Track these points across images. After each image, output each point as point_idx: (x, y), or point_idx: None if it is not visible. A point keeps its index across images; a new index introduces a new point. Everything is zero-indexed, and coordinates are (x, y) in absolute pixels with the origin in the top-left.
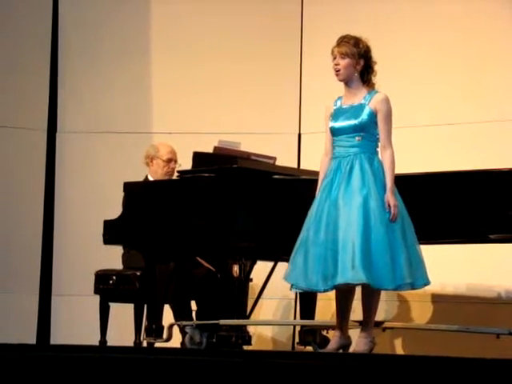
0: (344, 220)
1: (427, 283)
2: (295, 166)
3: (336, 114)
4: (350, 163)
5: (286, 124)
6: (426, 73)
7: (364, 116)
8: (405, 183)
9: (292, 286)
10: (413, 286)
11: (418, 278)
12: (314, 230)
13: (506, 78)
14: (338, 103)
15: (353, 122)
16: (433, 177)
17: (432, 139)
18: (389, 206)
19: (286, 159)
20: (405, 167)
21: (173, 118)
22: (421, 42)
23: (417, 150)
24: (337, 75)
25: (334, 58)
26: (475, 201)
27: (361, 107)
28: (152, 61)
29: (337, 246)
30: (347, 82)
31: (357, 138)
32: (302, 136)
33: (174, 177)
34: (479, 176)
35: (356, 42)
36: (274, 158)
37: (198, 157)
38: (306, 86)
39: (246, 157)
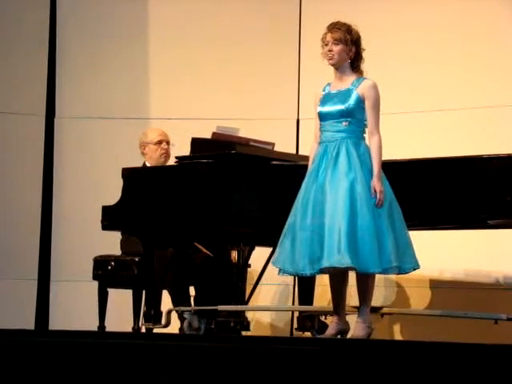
0: (330, 204)
1: (416, 267)
2: (294, 151)
3: (324, 99)
4: (337, 148)
5: (285, 110)
6: (423, 60)
7: (351, 101)
8: (404, 169)
9: (280, 270)
10: (400, 270)
11: (406, 261)
12: (300, 215)
13: (504, 64)
14: (327, 89)
15: (340, 107)
16: (432, 162)
17: (430, 125)
18: (375, 191)
19: (284, 145)
20: (404, 153)
21: (171, 104)
22: (420, 30)
23: (415, 136)
24: (329, 59)
25: (326, 45)
26: (474, 186)
27: (348, 92)
28: (150, 47)
29: (323, 230)
30: (338, 68)
31: (343, 123)
32: (301, 122)
33: (173, 162)
34: (478, 161)
35: (348, 28)
36: (273, 144)
37: (196, 143)
38: (304, 72)
39: (245, 143)
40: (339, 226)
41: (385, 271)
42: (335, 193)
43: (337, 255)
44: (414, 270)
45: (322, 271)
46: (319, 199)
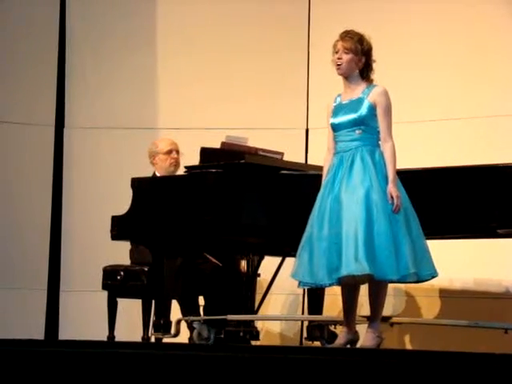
0: (347, 213)
1: (434, 275)
2: (303, 161)
3: (336, 110)
4: (352, 157)
5: (294, 119)
6: (432, 69)
7: (363, 110)
8: (414, 178)
9: (299, 283)
10: (418, 277)
11: (424, 268)
12: (317, 226)
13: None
14: (338, 100)
15: (352, 116)
16: (441, 172)
17: (439, 134)
18: (391, 197)
19: (293, 154)
20: (413, 162)
21: (180, 114)
22: (427, 39)
23: (425, 145)
24: (338, 69)
25: (336, 52)
26: (483, 196)
27: (360, 101)
28: (158, 57)
29: (340, 240)
30: (347, 78)
31: (357, 132)
32: (310, 131)
33: (182, 172)
34: (487, 171)
35: (360, 38)
36: (282, 154)
37: (205, 152)
38: (313, 81)
39: (254, 152)
40: (356, 234)
41: (403, 278)
42: (351, 201)
43: (355, 263)
44: (433, 277)
45: (341, 280)
46: (335, 209)
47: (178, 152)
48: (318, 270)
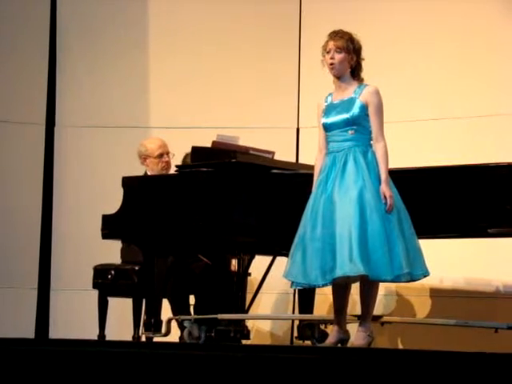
0: (340, 214)
1: (426, 274)
2: (294, 160)
3: (327, 110)
4: (344, 157)
5: (285, 118)
6: (424, 68)
7: (355, 110)
8: (404, 177)
9: (292, 283)
10: (412, 277)
11: (417, 268)
12: (311, 226)
13: (507, 72)
14: (329, 99)
15: (344, 116)
16: (432, 171)
17: (431, 134)
18: (384, 197)
19: (284, 153)
20: (404, 161)
21: (171, 113)
22: (420, 37)
23: (415, 145)
24: (331, 69)
25: (328, 52)
26: (474, 195)
27: (351, 101)
28: (150, 55)
29: (334, 240)
30: (339, 77)
31: (350, 132)
32: (301, 130)
33: (173, 171)
34: (478, 170)
35: (351, 37)
36: (273, 153)
37: (196, 151)
38: (304, 80)
39: (245, 151)
40: (350, 235)
41: (397, 278)
42: (344, 202)
43: (349, 264)
44: (424, 277)
45: (335, 281)
46: (328, 209)
47: (168, 154)
48: (311, 270)
